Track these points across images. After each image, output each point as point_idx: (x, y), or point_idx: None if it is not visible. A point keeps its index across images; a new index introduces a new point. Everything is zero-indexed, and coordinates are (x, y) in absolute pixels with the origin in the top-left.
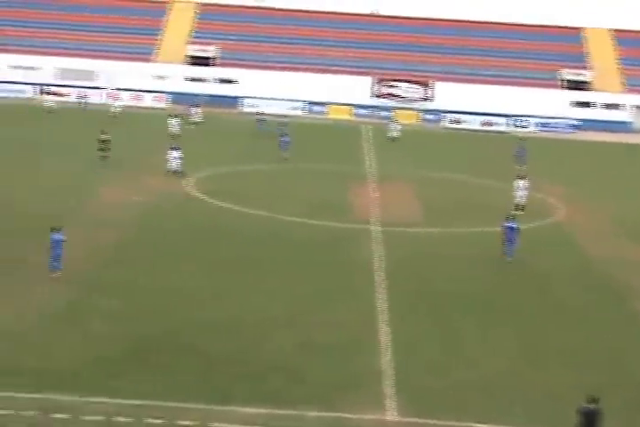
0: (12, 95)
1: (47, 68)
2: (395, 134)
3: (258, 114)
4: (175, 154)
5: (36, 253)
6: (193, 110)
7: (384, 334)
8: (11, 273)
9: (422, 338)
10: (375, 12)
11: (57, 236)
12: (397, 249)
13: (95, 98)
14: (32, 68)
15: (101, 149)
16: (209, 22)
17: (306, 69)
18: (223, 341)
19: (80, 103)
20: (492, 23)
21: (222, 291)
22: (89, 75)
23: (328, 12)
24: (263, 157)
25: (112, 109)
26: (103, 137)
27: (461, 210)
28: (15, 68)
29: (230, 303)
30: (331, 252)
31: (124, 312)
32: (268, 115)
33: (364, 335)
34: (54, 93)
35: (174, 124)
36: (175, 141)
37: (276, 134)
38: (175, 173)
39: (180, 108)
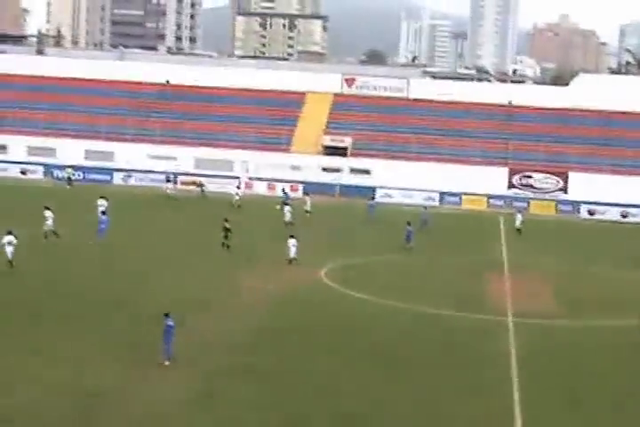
0: (151, 184)
1: (185, 157)
2: (519, 225)
3: (369, 200)
4: (292, 242)
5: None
6: (306, 199)
7: None
8: (143, 359)
9: None
10: (509, 103)
11: (169, 322)
12: (533, 341)
13: (230, 187)
14: (170, 158)
15: (225, 237)
16: (343, 113)
17: (440, 160)
18: None
19: (200, 191)
20: (627, 112)
21: (357, 382)
22: (225, 164)
23: (462, 102)
24: (389, 246)
25: (234, 199)
26: (227, 225)
27: (597, 302)
28: (154, 157)
29: (365, 396)
30: (466, 344)
31: (258, 399)
32: (406, 205)
33: None
34: (179, 182)
35: (287, 212)
36: (290, 229)
37: (409, 222)
38: (292, 260)
39: (296, 197)
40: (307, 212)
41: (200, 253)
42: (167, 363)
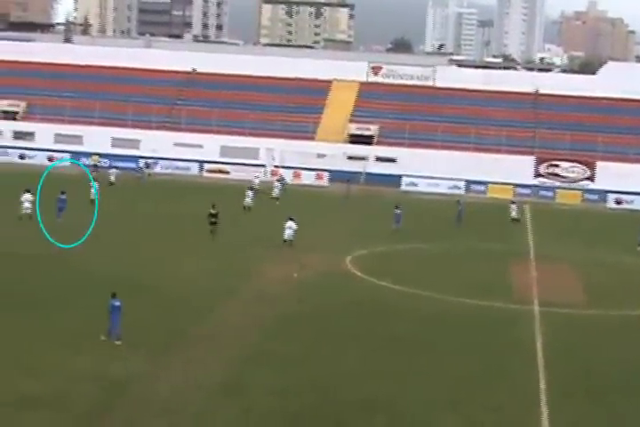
0: (176, 172)
1: (211, 145)
2: (514, 215)
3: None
4: (289, 224)
5: (194, 326)
6: (276, 184)
7: (545, 417)
8: (170, 346)
9: (584, 421)
10: (536, 91)
11: (115, 302)
12: (558, 330)
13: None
14: (196, 146)
15: (212, 223)
16: (369, 101)
17: (466, 148)
18: (380, 421)
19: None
20: None
21: (380, 369)
22: (251, 152)
23: (490, 91)
24: (412, 234)
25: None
26: (212, 211)
27: (623, 291)
28: (180, 145)
29: (388, 383)
30: (490, 332)
31: (282, 386)
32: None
33: (525, 419)
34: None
35: (249, 197)
36: (247, 214)
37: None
38: (286, 242)
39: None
40: (272, 198)
41: (211, 241)
42: (119, 342)
